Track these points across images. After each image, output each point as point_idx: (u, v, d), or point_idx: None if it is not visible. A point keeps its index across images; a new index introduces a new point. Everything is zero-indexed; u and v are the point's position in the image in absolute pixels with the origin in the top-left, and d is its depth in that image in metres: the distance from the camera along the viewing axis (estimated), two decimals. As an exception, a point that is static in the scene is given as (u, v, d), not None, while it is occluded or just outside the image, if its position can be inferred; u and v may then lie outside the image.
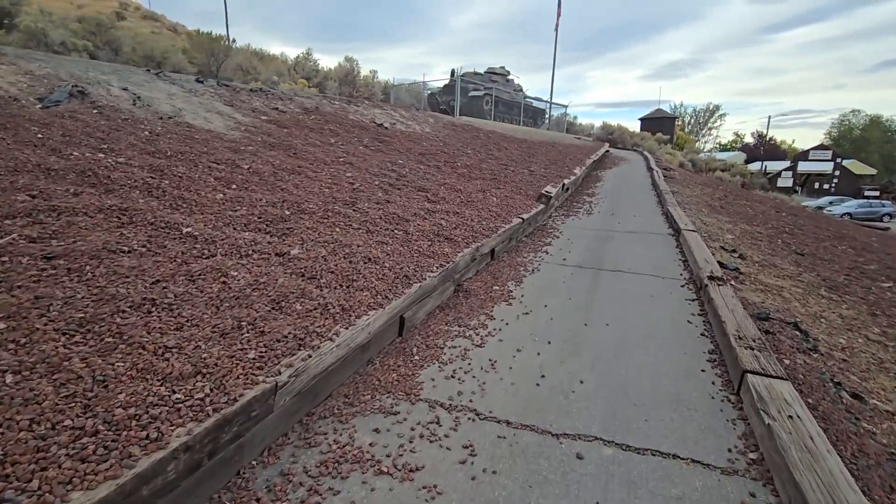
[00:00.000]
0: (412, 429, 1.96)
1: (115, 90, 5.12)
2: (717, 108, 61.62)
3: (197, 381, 1.61)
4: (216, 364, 1.72)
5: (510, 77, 20.60)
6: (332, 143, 6.41)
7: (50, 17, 10.58)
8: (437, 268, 3.24)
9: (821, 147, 43.22)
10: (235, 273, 2.44)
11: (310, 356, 1.95)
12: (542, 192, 6.45)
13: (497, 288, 3.80)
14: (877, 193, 38.31)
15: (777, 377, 2.16)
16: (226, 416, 1.51)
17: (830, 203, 29.33)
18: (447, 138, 9.50)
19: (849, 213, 26.09)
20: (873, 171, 43.13)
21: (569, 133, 23.33)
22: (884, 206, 26.81)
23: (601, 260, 4.70)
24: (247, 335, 1.97)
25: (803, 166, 41.40)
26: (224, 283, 2.32)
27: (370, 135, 7.62)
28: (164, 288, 2.12)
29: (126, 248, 2.33)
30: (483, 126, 13.40)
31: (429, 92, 18.95)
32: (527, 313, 3.30)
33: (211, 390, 1.58)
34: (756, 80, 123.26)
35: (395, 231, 3.86)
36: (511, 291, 3.74)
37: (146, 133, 4.25)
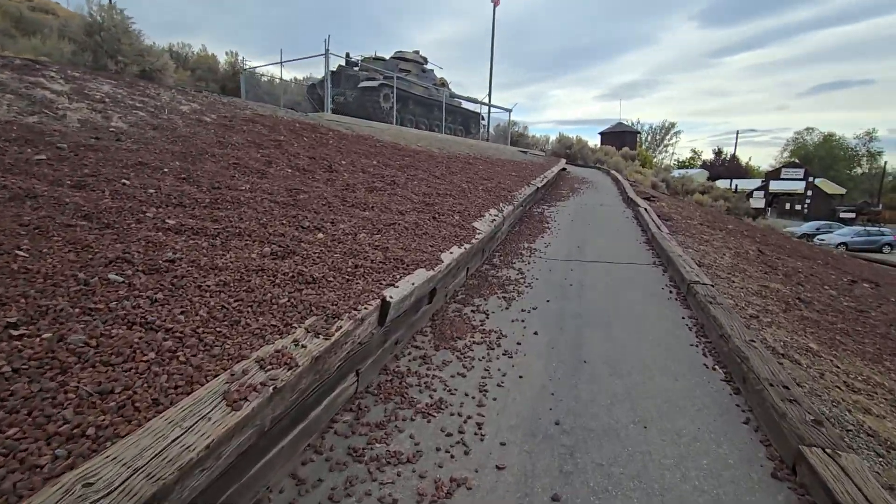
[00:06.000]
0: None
1: None
2: (673, 125, 59.38)
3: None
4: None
5: (428, 67, 14.79)
6: None
7: None
8: None
9: (792, 164, 40.18)
10: None
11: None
12: None
13: None
14: (852, 215, 35.31)
15: None
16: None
17: (818, 230, 25.30)
18: (128, 149, 3.63)
19: (844, 243, 22.01)
20: (843, 191, 40.54)
21: (515, 146, 17.99)
22: (883, 234, 22.81)
23: None
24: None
25: (775, 185, 38.01)
26: None
27: None
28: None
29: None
30: (339, 128, 7.65)
31: (309, 84, 13.15)
32: None
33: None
34: (706, 101, 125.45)
35: None
36: None
37: None
